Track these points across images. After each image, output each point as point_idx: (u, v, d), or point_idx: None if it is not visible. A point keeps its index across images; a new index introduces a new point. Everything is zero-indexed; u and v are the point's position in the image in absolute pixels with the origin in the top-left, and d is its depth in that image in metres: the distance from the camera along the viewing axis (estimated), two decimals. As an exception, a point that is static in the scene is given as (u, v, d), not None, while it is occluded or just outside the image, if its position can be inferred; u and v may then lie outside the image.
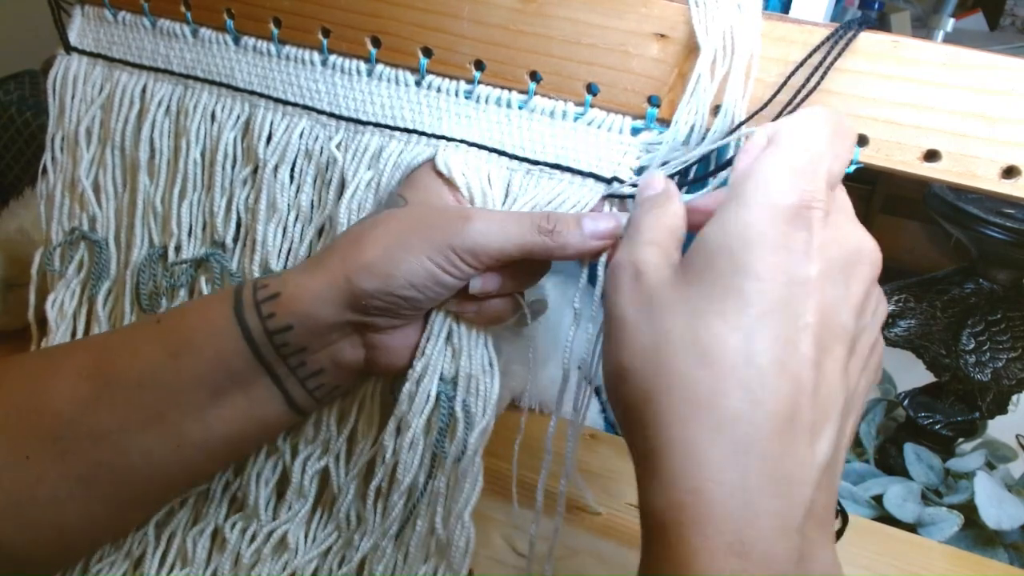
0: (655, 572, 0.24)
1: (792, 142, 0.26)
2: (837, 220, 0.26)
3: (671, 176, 0.34)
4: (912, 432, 0.70)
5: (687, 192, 0.36)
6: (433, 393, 0.37)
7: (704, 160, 0.35)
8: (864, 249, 0.26)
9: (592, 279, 0.35)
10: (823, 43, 0.31)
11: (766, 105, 0.32)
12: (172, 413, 0.35)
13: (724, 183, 0.34)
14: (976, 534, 0.61)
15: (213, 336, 0.35)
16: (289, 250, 0.42)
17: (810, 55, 0.32)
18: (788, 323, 0.24)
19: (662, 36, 0.34)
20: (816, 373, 0.24)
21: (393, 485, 0.38)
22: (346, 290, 0.34)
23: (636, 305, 0.27)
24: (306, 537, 0.42)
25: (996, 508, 0.60)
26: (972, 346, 0.65)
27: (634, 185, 0.35)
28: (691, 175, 0.37)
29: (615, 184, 0.35)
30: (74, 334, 0.48)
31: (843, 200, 0.27)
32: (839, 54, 0.31)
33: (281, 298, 0.35)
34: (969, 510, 0.61)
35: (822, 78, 0.32)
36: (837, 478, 0.25)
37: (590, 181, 0.36)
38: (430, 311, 0.36)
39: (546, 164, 0.36)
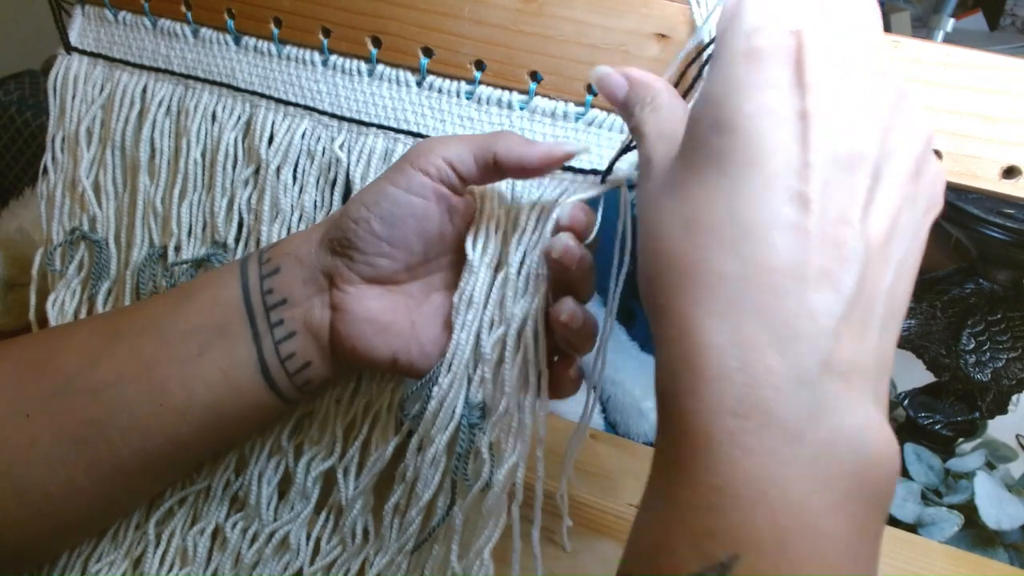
0: (660, 442, 0.23)
1: None
2: (840, 34, 0.23)
3: None
4: (912, 432, 0.70)
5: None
6: (459, 411, 0.36)
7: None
8: (879, 60, 0.23)
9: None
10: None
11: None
12: (161, 365, 0.36)
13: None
14: (976, 534, 0.61)
15: (214, 284, 0.37)
16: (292, 250, 0.42)
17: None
18: (775, 168, 0.22)
19: (662, 36, 0.34)
20: (818, 215, 0.22)
21: (412, 500, 0.38)
22: (327, 225, 0.36)
23: (645, 202, 0.26)
24: (308, 538, 0.42)
25: (996, 508, 0.60)
26: (972, 346, 0.65)
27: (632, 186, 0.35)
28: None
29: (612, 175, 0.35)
30: (75, 334, 0.48)
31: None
32: None
33: (278, 245, 0.37)
34: (969, 510, 0.61)
35: None
36: (873, 326, 0.22)
37: (591, 178, 0.36)
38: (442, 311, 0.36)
39: (547, 164, 0.36)
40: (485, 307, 0.35)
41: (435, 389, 0.36)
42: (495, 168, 0.33)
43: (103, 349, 0.37)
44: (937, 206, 0.25)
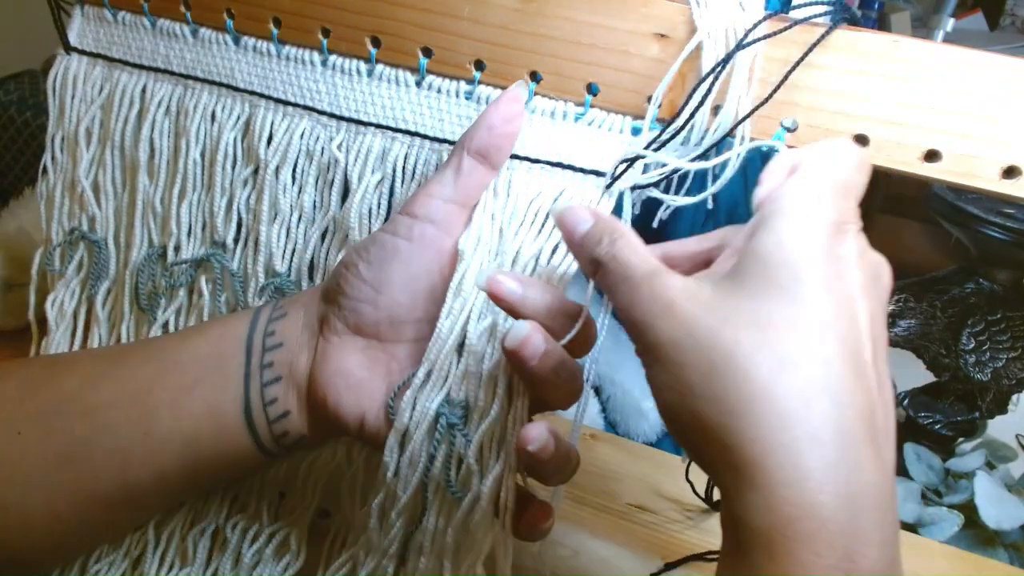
0: (749, 566, 0.24)
1: (827, 165, 0.27)
2: (861, 238, 0.27)
3: (657, 183, 0.34)
4: (912, 432, 0.70)
5: (684, 195, 0.36)
6: (434, 406, 0.34)
7: (701, 162, 0.34)
8: (883, 263, 0.28)
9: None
10: (818, 41, 0.31)
11: (764, 103, 0.32)
12: (156, 392, 0.36)
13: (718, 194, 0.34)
14: (976, 534, 0.61)
15: (227, 322, 0.38)
16: (293, 251, 0.42)
17: (807, 54, 0.32)
18: (851, 329, 0.25)
19: (662, 36, 0.34)
20: (876, 377, 0.25)
21: (393, 502, 0.36)
22: (329, 277, 0.36)
23: (684, 328, 0.26)
24: (309, 541, 0.42)
25: (996, 508, 0.60)
26: (972, 346, 0.65)
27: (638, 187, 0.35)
28: (689, 178, 0.37)
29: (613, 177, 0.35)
30: (74, 334, 0.48)
31: None
32: (809, 50, 0.32)
33: (293, 295, 0.38)
34: (969, 510, 0.61)
35: (788, 75, 0.32)
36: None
37: (591, 177, 0.36)
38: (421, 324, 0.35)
39: (547, 162, 0.36)
40: (477, 298, 0.34)
41: (413, 379, 0.34)
42: (477, 162, 0.34)
43: (105, 372, 0.37)
44: None
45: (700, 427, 0.25)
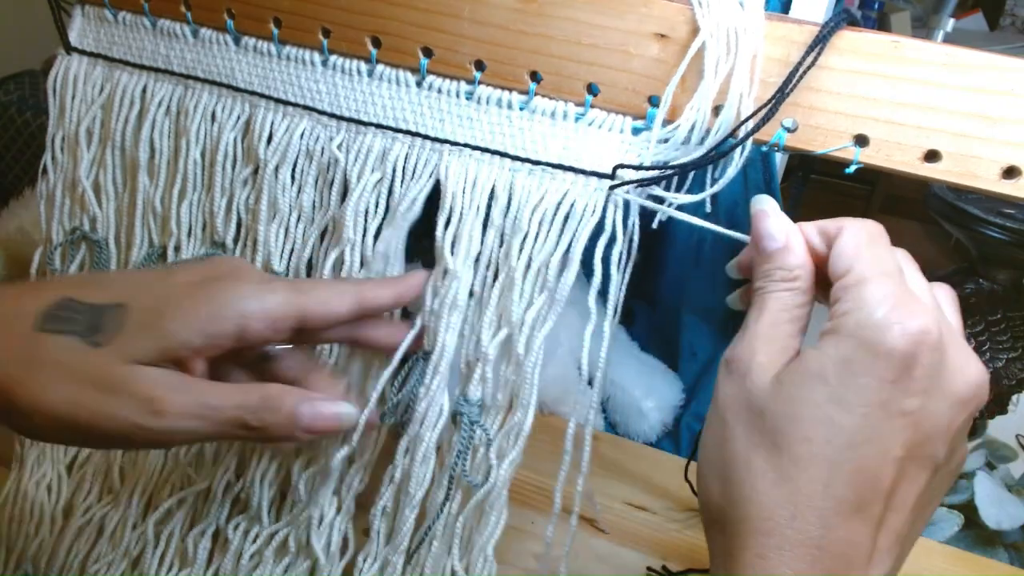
0: None
1: (872, 265, 0.27)
2: (949, 346, 0.26)
3: (662, 178, 0.34)
4: (912, 432, 0.69)
5: (686, 191, 0.36)
6: (446, 408, 0.37)
7: (701, 162, 0.34)
8: (972, 382, 0.26)
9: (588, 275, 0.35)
10: (816, 43, 0.31)
11: (775, 109, 0.32)
12: None
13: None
14: (976, 534, 0.61)
15: None
16: (291, 251, 0.42)
17: (806, 55, 0.32)
18: (873, 455, 0.25)
19: (662, 36, 0.34)
20: (887, 502, 0.26)
21: (403, 500, 0.38)
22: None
23: (738, 413, 0.28)
24: (308, 542, 0.42)
25: (996, 508, 0.60)
26: (972, 346, 0.65)
27: (644, 182, 0.35)
28: (688, 179, 0.37)
29: (618, 176, 0.35)
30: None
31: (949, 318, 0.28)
32: (818, 54, 0.31)
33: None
34: (969, 510, 0.61)
35: (800, 78, 0.32)
36: None
37: (594, 180, 0.35)
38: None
39: (548, 164, 0.36)
40: (484, 309, 0.37)
41: (421, 390, 0.37)
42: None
43: None
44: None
45: (710, 504, 0.28)
